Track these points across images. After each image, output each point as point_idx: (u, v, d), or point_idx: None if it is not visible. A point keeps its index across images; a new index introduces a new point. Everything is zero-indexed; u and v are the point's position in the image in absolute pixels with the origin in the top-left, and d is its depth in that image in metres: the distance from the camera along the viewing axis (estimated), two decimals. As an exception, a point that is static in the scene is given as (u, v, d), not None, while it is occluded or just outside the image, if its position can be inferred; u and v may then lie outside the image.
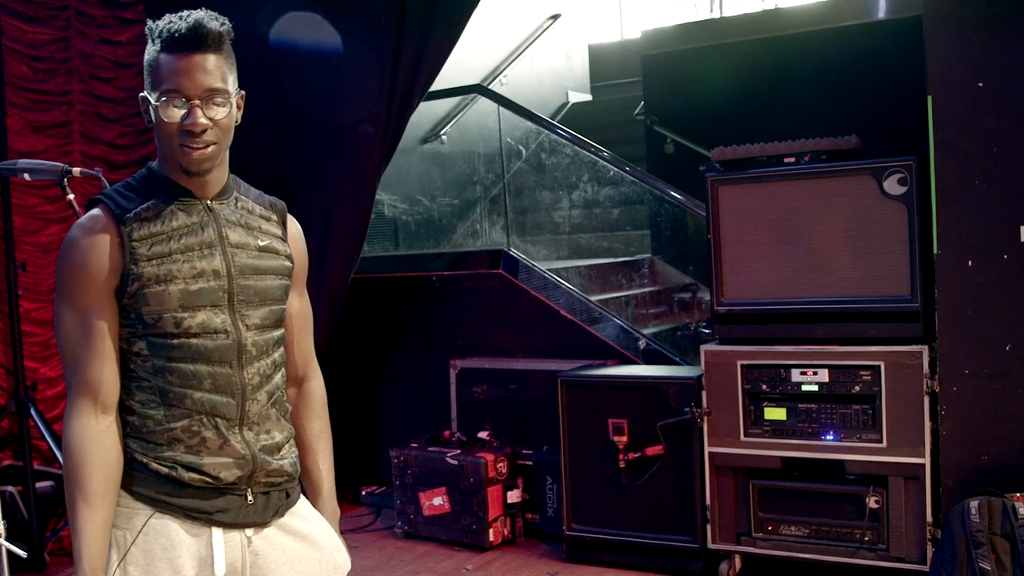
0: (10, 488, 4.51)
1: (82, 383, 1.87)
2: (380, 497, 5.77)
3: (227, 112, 1.90)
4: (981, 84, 3.68)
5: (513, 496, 4.92)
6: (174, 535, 1.88)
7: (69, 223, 4.80)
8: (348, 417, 5.80)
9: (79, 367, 1.88)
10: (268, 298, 2.00)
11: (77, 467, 1.84)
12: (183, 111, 1.86)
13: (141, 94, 1.92)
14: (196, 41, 1.85)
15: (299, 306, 2.17)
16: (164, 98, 1.86)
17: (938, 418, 3.79)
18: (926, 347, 3.80)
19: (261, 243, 2.01)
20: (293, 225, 2.15)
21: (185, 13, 1.86)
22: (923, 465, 3.79)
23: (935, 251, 3.78)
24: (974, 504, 3.54)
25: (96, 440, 1.86)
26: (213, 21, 1.86)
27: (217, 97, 1.88)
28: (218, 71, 1.88)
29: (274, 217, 2.09)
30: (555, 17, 8.51)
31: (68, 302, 1.88)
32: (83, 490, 1.83)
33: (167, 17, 1.87)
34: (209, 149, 1.89)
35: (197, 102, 1.86)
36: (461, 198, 7.02)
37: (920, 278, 3.85)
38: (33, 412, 4.49)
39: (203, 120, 1.86)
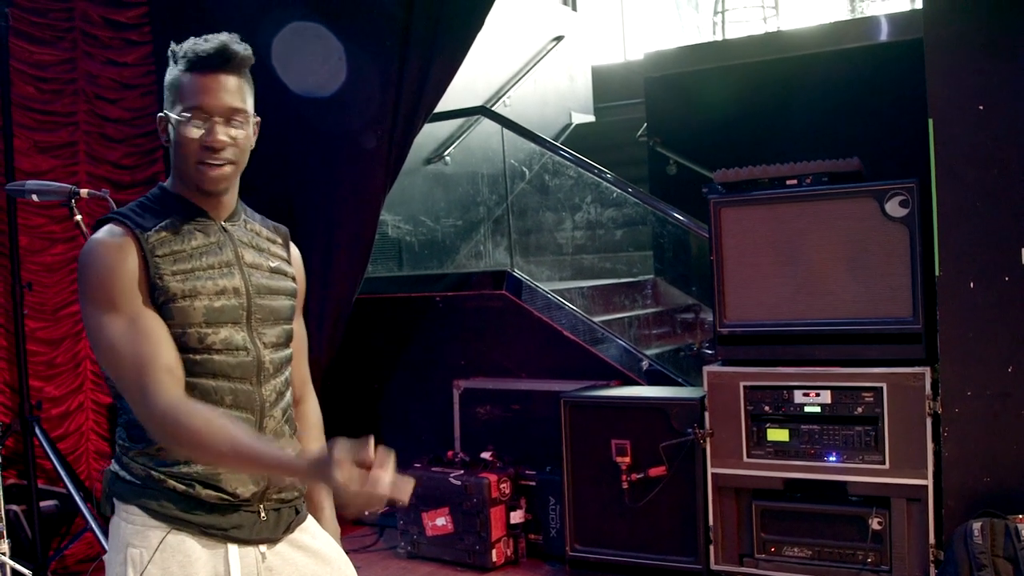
0: (14, 507, 4.51)
1: (160, 370, 1.81)
2: (383, 517, 5.75)
3: (246, 133, 1.94)
4: (982, 107, 3.70)
5: (516, 517, 4.92)
6: (191, 552, 1.89)
7: (75, 243, 4.82)
8: (351, 437, 5.81)
9: (152, 358, 1.82)
10: (280, 317, 2.05)
11: (218, 428, 1.78)
12: (204, 128, 1.88)
13: (160, 113, 1.95)
14: (221, 61, 1.88)
15: (298, 330, 2.20)
16: (186, 115, 1.88)
17: (941, 439, 3.79)
18: (928, 368, 3.81)
19: (272, 264, 2.07)
20: (295, 249, 2.20)
21: (211, 36, 1.90)
22: (926, 486, 3.79)
23: (937, 273, 3.79)
24: (977, 526, 3.53)
25: (205, 407, 1.83)
26: (237, 44, 1.91)
27: (238, 117, 1.92)
28: (239, 92, 1.92)
29: (279, 240, 2.14)
30: (559, 39, 8.56)
31: (108, 309, 1.84)
32: (235, 437, 1.77)
33: (192, 40, 1.90)
34: (227, 168, 1.92)
35: (219, 120, 1.89)
36: (465, 219, 7.04)
37: (922, 300, 3.86)
38: (38, 431, 4.50)
39: (223, 137, 1.89)
